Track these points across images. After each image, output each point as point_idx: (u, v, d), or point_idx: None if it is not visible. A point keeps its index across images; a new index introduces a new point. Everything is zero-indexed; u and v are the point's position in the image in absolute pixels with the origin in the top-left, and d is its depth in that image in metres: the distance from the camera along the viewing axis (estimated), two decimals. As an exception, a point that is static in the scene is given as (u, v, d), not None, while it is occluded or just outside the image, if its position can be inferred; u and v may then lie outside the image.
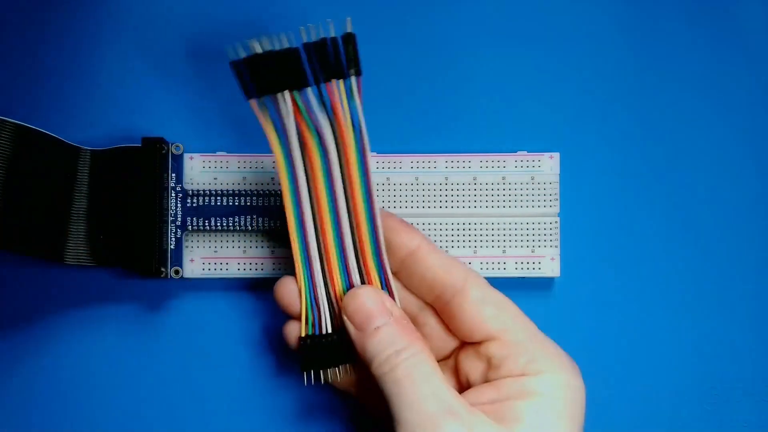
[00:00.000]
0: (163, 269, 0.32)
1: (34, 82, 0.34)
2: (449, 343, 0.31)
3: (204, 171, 0.33)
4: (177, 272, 0.33)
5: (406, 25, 0.35)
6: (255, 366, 0.34)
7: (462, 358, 0.30)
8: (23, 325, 0.34)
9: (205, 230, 0.33)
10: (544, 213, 0.33)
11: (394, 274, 0.30)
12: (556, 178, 0.33)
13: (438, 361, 0.30)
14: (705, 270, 0.34)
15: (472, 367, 0.30)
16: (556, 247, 0.33)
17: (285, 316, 0.31)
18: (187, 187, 0.33)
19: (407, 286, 0.31)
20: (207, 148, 0.34)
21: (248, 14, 0.35)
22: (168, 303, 0.34)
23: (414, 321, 0.30)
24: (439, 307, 0.30)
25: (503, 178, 0.33)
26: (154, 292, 0.34)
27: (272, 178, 0.33)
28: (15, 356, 0.34)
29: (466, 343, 0.31)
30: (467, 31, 0.35)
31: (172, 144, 0.33)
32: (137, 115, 0.34)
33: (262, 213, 0.33)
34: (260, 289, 0.34)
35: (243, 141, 0.34)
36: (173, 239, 0.33)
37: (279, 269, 0.33)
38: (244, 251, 0.33)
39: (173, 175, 0.33)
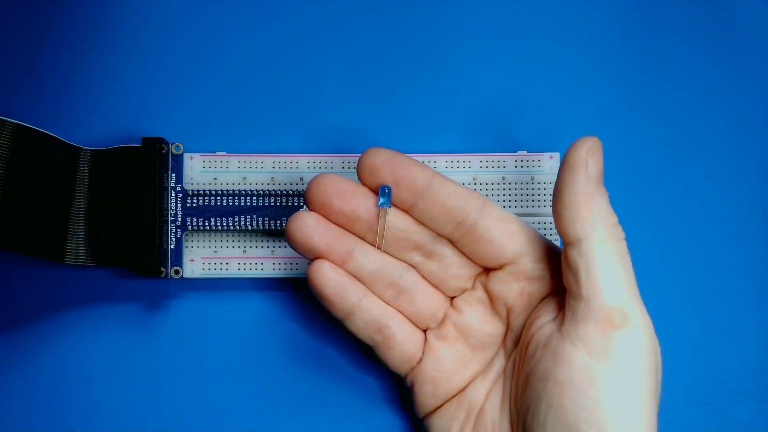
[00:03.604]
0: (163, 269, 0.32)
1: (34, 82, 0.34)
2: (469, 271, 0.31)
3: (204, 171, 0.33)
4: (177, 272, 0.33)
5: (407, 24, 0.35)
6: (255, 366, 0.34)
7: (492, 284, 0.30)
8: (23, 325, 0.34)
9: (205, 230, 0.33)
10: (544, 213, 0.33)
11: (408, 209, 0.30)
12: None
13: (462, 294, 0.31)
14: (705, 270, 0.34)
15: (508, 289, 0.30)
16: (556, 247, 0.33)
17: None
18: (187, 187, 0.33)
19: (422, 221, 0.30)
20: (207, 148, 0.34)
21: (248, 14, 0.35)
22: (168, 303, 0.34)
23: (430, 253, 0.30)
24: (461, 234, 0.30)
25: (503, 178, 0.33)
26: (154, 292, 0.34)
27: (272, 178, 0.33)
28: (15, 356, 0.34)
29: (488, 270, 0.31)
30: (467, 32, 0.35)
31: (172, 144, 0.33)
32: (137, 115, 0.34)
33: (262, 213, 0.33)
34: (260, 289, 0.34)
35: (243, 141, 0.34)
36: (173, 239, 0.33)
37: (279, 269, 0.33)
38: (244, 251, 0.33)
39: (173, 175, 0.33)
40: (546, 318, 0.29)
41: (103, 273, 0.34)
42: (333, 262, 0.30)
